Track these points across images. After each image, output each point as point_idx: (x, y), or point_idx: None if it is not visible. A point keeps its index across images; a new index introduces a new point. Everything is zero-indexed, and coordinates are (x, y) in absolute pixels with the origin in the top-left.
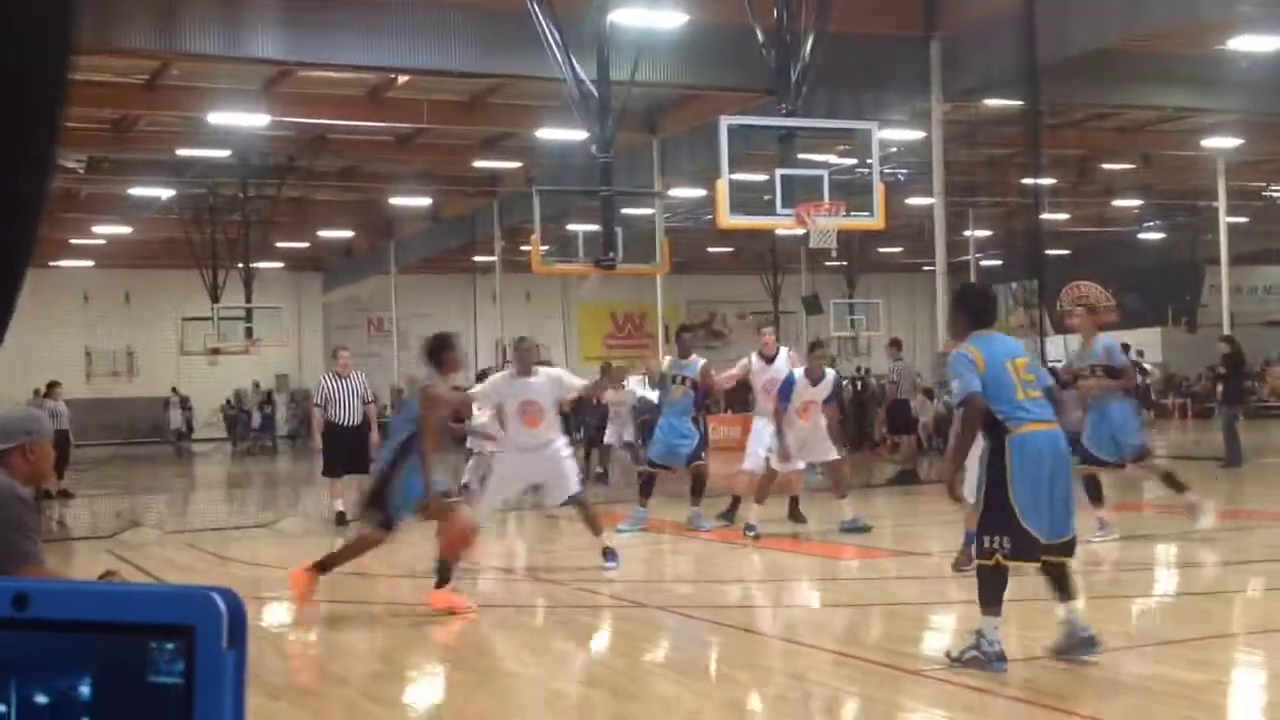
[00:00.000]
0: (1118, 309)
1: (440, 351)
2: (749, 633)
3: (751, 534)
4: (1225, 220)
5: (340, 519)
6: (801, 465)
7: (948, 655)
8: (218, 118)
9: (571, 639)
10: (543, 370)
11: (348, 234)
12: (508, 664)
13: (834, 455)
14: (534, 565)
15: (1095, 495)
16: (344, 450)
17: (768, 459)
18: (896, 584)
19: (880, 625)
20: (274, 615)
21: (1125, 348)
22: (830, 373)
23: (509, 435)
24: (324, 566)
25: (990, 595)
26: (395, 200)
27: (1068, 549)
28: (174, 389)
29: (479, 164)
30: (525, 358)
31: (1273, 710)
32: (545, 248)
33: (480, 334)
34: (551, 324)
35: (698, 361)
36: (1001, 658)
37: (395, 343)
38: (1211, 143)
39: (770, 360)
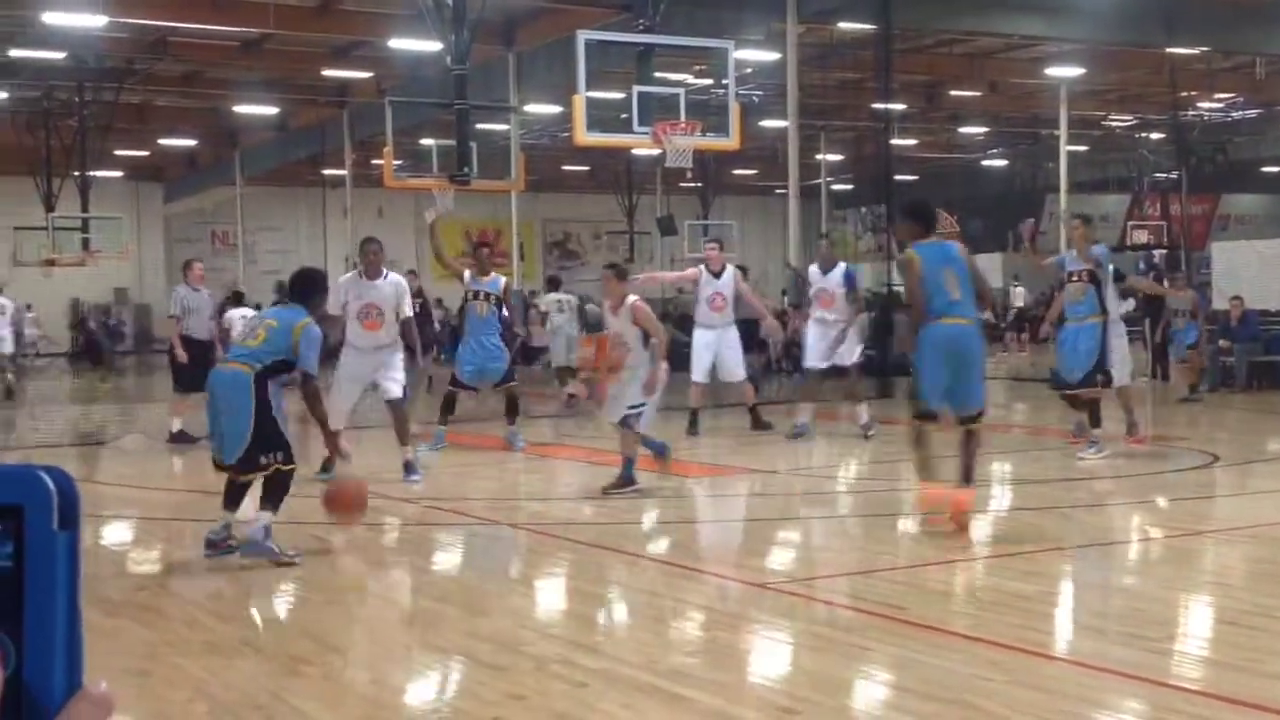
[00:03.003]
0: (961, 235)
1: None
2: (599, 548)
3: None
4: (1065, 149)
5: (183, 437)
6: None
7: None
8: (53, 17)
9: (422, 556)
10: (391, 275)
11: (190, 143)
12: (358, 581)
13: (854, 360)
14: (385, 483)
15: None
16: (200, 366)
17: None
18: (744, 500)
19: (728, 540)
20: (113, 533)
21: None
22: (842, 264)
23: (348, 335)
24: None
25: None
26: (241, 109)
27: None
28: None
29: (329, 73)
30: (373, 260)
31: (1103, 620)
32: (398, 162)
33: (330, 249)
34: (404, 240)
35: (499, 279)
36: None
37: (242, 256)
38: (1055, 71)
39: (717, 275)
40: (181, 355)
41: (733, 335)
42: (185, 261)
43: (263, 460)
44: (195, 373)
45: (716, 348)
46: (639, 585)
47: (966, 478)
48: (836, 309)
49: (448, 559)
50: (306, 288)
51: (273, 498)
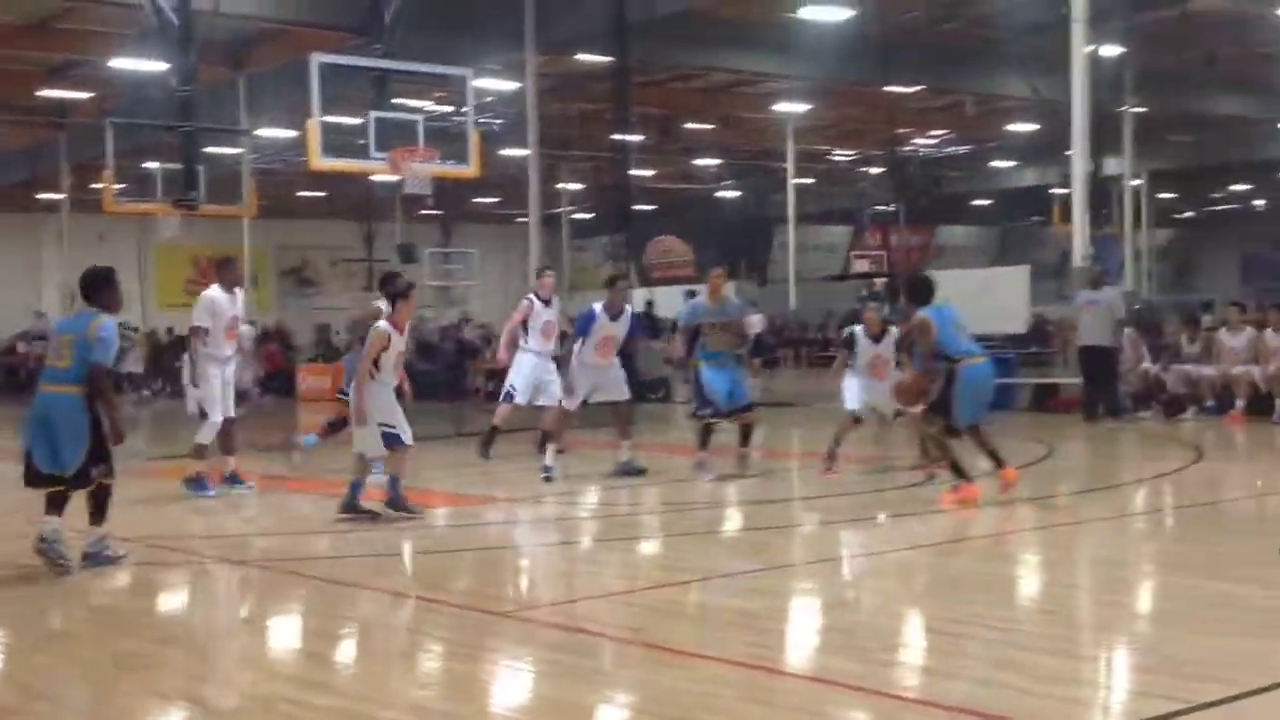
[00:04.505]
0: (696, 263)
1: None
2: (333, 583)
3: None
4: (793, 181)
5: None
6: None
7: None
8: None
9: (143, 597)
10: (239, 291)
11: None
12: (74, 626)
13: (626, 395)
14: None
15: (705, 442)
16: None
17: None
18: (485, 529)
19: (468, 570)
20: None
21: None
22: (629, 308)
23: (213, 346)
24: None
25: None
26: None
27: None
28: None
29: (44, 93)
30: (230, 276)
31: (826, 634)
32: (120, 186)
33: (45, 279)
34: (127, 268)
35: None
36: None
37: None
38: (782, 107)
39: (547, 303)
40: None
41: (552, 363)
42: None
43: (93, 473)
44: None
45: (540, 372)
46: (374, 619)
47: (998, 461)
48: (612, 357)
49: (171, 599)
50: (95, 287)
51: (101, 510)
